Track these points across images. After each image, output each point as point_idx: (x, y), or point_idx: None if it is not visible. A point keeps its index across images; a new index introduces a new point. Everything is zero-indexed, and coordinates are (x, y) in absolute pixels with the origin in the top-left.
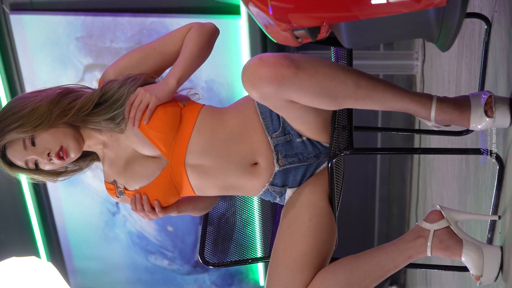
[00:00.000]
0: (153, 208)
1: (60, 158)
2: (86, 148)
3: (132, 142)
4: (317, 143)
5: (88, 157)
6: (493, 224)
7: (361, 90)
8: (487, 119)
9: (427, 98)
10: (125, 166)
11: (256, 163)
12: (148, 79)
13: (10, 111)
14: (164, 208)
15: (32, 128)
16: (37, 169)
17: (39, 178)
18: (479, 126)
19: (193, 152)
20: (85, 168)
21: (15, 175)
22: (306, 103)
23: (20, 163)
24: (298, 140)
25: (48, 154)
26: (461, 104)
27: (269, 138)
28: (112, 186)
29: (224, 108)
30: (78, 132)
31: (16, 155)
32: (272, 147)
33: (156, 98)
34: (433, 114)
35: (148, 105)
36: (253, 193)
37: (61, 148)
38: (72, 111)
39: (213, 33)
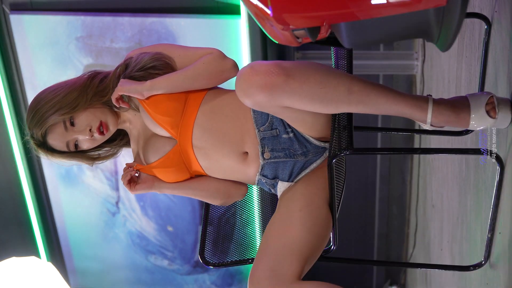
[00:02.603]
0: (133, 181)
1: (101, 133)
2: (119, 124)
3: (146, 123)
4: (305, 141)
5: (117, 140)
6: (493, 224)
7: (353, 96)
8: (490, 119)
9: (422, 101)
10: (144, 143)
11: (246, 152)
12: (162, 57)
13: (42, 101)
14: (142, 183)
15: (71, 109)
16: (77, 152)
17: (77, 161)
18: (481, 127)
19: (198, 134)
20: (117, 153)
21: (51, 159)
22: (301, 108)
23: (61, 146)
24: (285, 136)
25: (90, 130)
26: (458, 105)
27: (256, 130)
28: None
29: (227, 90)
30: (112, 109)
31: (57, 138)
32: (258, 140)
33: (120, 87)
34: (429, 117)
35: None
36: (249, 181)
37: (101, 123)
38: (110, 92)
39: (225, 69)
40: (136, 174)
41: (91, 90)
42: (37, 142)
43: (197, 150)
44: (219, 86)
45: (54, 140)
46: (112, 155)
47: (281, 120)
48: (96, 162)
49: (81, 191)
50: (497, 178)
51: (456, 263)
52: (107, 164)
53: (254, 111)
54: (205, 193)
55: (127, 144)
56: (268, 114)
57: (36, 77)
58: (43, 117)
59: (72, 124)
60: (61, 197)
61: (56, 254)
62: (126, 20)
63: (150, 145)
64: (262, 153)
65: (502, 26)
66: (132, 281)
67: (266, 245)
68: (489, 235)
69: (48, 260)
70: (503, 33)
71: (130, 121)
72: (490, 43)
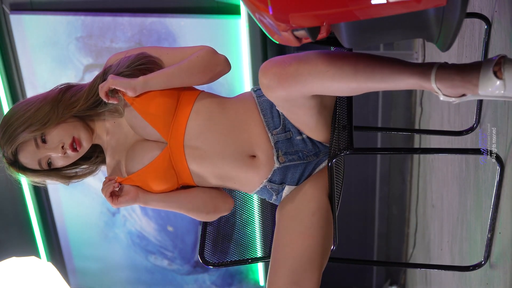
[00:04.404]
0: (115, 194)
1: (74, 149)
2: (94, 139)
3: (133, 125)
4: (317, 141)
5: (93, 158)
6: (493, 224)
7: (359, 74)
8: (497, 81)
9: (427, 67)
10: (128, 151)
11: (254, 156)
12: (148, 55)
13: (14, 116)
14: (125, 195)
15: (42, 125)
16: (50, 170)
17: (52, 180)
18: (490, 91)
19: (191, 133)
20: (95, 171)
21: (18, 177)
22: (318, 93)
23: (33, 164)
24: (298, 137)
25: (62, 147)
26: (467, 68)
27: (269, 134)
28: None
29: (225, 97)
30: (86, 123)
31: (29, 156)
32: (273, 144)
33: (112, 80)
34: (433, 82)
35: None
36: (250, 188)
37: (74, 139)
38: (80, 101)
39: (218, 63)
40: (117, 188)
41: (62, 104)
42: (8, 161)
43: (190, 152)
44: (211, 92)
45: (26, 159)
46: (90, 173)
47: None
48: (73, 180)
49: (81, 191)
50: (497, 178)
51: (456, 263)
52: None
53: (264, 115)
54: (191, 206)
55: (104, 161)
56: (279, 117)
57: (36, 77)
58: (13, 135)
59: (44, 141)
60: (61, 197)
61: (56, 254)
62: (126, 20)
63: (136, 152)
64: (278, 157)
65: (502, 26)
66: (132, 281)
67: (283, 255)
68: (489, 235)
69: (48, 260)
70: (503, 33)
71: (108, 132)
72: (490, 43)
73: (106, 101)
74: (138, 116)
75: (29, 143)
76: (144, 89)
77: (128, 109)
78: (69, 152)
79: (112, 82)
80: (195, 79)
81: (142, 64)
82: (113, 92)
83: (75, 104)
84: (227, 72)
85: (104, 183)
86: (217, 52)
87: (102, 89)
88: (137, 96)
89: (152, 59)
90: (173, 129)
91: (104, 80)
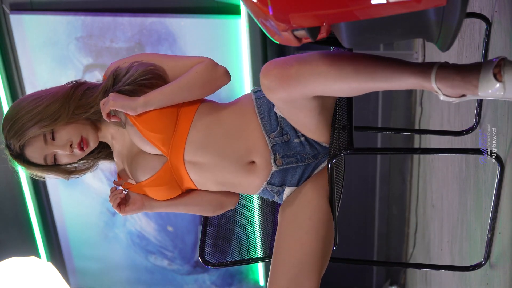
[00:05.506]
0: (122, 203)
1: (81, 149)
2: (100, 137)
3: (135, 141)
4: (315, 143)
5: (94, 153)
6: (493, 224)
7: (361, 74)
8: (497, 84)
9: (428, 67)
10: (130, 159)
11: (253, 162)
12: (155, 69)
13: (22, 111)
14: (132, 204)
15: (52, 121)
16: (54, 165)
17: (53, 175)
18: (490, 93)
19: (191, 150)
20: (93, 166)
21: (17, 169)
22: (319, 94)
23: (39, 159)
24: (296, 140)
25: (70, 145)
26: (467, 69)
27: (266, 138)
28: (120, 179)
29: (223, 104)
30: (94, 123)
31: (36, 151)
32: (270, 147)
33: (113, 102)
34: (433, 82)
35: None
36: (251, 191)
37: (82, 139)
38: (95, 105)
39: (218, 77)
40: (125, 192)
41: (74, 101)
42: (14, 154)
43: (190, 166)
44: (211, 98)
45: (32, 153)
46: (89, 168)
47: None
48: (72, 176)
49: (81, 191)
50: (497, 178)
51: (456, 263)
52: (107, 163)
53: (261, 118)
54: (197, 208)
55: (106, 157)
56: (277, 120)
57: (36, 77)
58: (22, 129)
59: (53, 137)
60: (61, 197)
61: (56, 254)
62: (126, 20)
63: (139, 163)
64: (275, 160)
65: (502, 26)
66: (132, 281)
67: (281, 262)
68: (489, 235)
69: (48, 260)
70: (503, 33)
71: (113, 136)
72: (490, 43)
73: (108, 120)
74: (139, 133)
75: (38, 138)
76: (144, 109)
77: (129, 124)
78: (76, 151)
79: (113, 104)
80: (195, 95)
81: (147, 80)
82: (115, 111)
83: (88, 107)
84: (227, 83)
85: (112, 191)
86: (216, 65)
87: (104, 110)
88: (138, 115)
89: (159, 73)
90: (173, 146)
91: (111, 87)
